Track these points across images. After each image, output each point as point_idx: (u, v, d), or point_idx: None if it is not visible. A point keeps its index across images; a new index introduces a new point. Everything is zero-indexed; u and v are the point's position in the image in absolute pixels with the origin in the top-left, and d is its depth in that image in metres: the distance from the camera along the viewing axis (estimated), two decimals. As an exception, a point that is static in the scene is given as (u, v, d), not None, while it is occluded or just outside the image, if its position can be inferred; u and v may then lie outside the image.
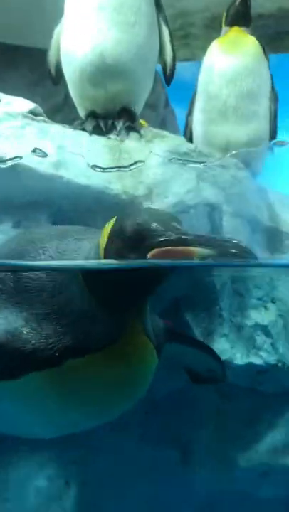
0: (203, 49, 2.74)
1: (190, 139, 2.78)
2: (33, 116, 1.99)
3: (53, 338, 1.20)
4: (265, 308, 1.90)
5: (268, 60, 2.68)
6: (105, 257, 1.21)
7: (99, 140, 2.03)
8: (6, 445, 1.78)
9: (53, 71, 2.37)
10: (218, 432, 1.92)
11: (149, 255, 1.12)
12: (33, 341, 1.20)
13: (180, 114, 3.89)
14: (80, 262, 1.28)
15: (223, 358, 1.77)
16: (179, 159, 1.95)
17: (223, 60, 2.62)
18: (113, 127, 2.12)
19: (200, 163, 1.94)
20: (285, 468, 1.91)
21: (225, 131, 2.62)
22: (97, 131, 2.09)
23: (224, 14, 2.73)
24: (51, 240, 1.35)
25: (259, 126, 2.67)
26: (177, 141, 2.17)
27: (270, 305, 1.91)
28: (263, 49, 2.65)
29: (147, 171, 1.88)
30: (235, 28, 2.68)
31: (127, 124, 2.12)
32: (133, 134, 2.09)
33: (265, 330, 1.86)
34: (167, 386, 1.81)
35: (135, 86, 2.21)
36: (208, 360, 1.70)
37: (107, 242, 1.20)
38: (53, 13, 2.28)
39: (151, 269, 1.21)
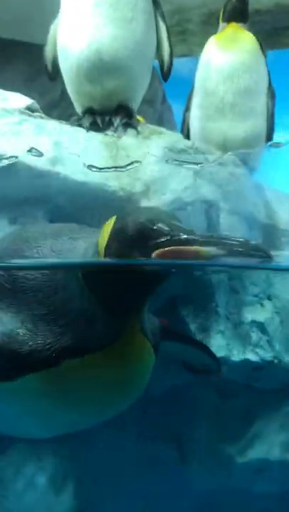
0: (201, 45, 2.73)
1: (187, 135, 2.77)
2: (30, 113, 1.98)
3: (51, 339, 1.20)
4: (262, 305, 1.90)
5: (266, 57, 2.67)
6: (106, 257, 1.20)
7: (96, 136, 2.03)
8: (3, 443, 1.78)
9: (49, 67, 2.36)
10: (214, 429, 1.93)
11: (154, 255, 1.11)
12: (30, 342, 1.19)
13: (177, 110, 3.89)
14: (83, 261, 1.27)
15: (219, 354, 1.78)
16: (175, 160, 1.95)
17: (220, 56, 2.60)
18: (110, 124, 2.11)
19: (196, 164, 1.93)
20: (280, 464, 1.92)
21: (222, 127, 2.61)
22: (94, 127, 2.09)
23: (221, 10, 2.72)
24: (46, 238, 1.34)
25: (256, 122, 2.66)
26: (174, 137, 2.18)
27: (266, 302, 1.91)
28: (260, 45, 2.64)
29: (145, 168, 1.88)
30: (233, 24, 2.66)
31: (124, 120, 2.12)
32: (130, 131, 2.09)
33: (261, 327, 1.86)
34: (164, 384, 1.82)
35: (132, 82, 2.20)
36: (204, 357, 1.71)
37: (108, 242, 1.19)
38: (51, 7, 2.27)
39: (154, 268, 1.20)
